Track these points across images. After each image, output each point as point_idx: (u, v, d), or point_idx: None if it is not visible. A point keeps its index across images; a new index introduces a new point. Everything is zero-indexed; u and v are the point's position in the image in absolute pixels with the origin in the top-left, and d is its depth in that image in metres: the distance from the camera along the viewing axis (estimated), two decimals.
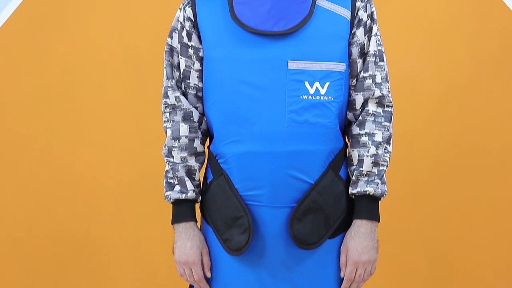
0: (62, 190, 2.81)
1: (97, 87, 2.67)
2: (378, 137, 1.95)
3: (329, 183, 1.93)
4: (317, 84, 1.90)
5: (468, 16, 2.81)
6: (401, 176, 2.88)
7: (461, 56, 2.82)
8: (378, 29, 1.99)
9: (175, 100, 2.01)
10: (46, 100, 2.68)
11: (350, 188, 1.95)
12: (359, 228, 1.94)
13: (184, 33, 2.01)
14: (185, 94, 2.03)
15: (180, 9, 2.02)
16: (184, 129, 2.00)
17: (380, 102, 1.97)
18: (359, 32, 1.96)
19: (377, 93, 1.96)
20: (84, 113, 2.75)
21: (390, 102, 1.98)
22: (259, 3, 1.93)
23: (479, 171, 2.91)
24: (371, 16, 1.98)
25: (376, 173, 1.94)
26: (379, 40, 1.99)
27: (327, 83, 1.91)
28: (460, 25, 2.81)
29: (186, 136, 2.00)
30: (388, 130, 1.96)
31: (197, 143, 2.02)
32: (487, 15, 2.82)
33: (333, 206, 1.94)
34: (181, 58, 2.02)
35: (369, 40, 1.97)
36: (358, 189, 1.94)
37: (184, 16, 2.01)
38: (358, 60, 1.97)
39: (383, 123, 1.96)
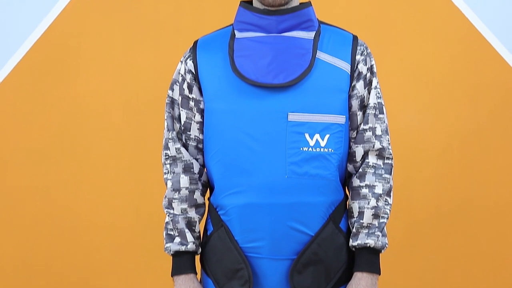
0: (62, 241, 2.80)
1: (97, 137, 2.68)
2: (379, 189, 1.95)
3: (330, 235, 1.93)
4: (317, 136, 1.91)
5: (468, 70, 2.84)
6: (402, 228, 2.87)
7: (461, 109, 2.84)
8: (378, 82, 2.01)
9: (176, 151, 2.02)
10: (46, 151, 2.69)
11: (350, 240, 1.94)
12: (360, 280, 1.93)
13: (185, 86, 2.02)
14: (185, 146, 2.04)
15: (181, 61, 2.04)
16: (184, 180, 2.01)
17: (380, 154, 1.97)
18: (359, 85, 1.97)
19: (377, 145, 1.97)
20: (84, 165, 2.75)
21: (390, 154, 1.99)
22: (260, 56, 1.95)
23: (480, 223, 2.90)
24: (371, 69, 2.00)
25: (377, 225, 1.94)
26: (379, 93, 2.00)
27: (327, 135, 1.91)
28: (460, 78, 2.84)
29: (187, 188, 2.00)
30: (389, 182, 1.97)
31: (197, 195, 2.02)
32: (487, 69, 2.85)
33: (334, 258, 1.93)
34: (182, 110, 2.03)
35: (369, 93, 1.99)
36: (359, 242, 1.93)
37: (185, 69, 2.03)
38: (358, 113, 1.98)
39: (383, 175, 1.96)
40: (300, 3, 2.00)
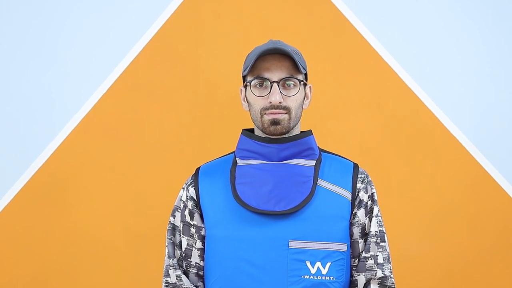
0: None
1: (97, 266, 2.65)
2: None
3: None
4: (318, 264, 1.89)
5: (468, 200, 2.84)
6: None
7: (461, 237, 2.82)
8: (379, 210, 2.01)
9: (176, 279, 2.00)
10: (46, 280, 2.66)
11: None
12: None
13: (186, 212, 2.03)
14: (186, 273, 2.02)
15: (183, 188, 2.05)
16: None
17: (383, 283, 1.95)
18: (360, 213, 1.97)
19: (379, 274, 1.95)
20: None
21: (393, 283, 1.96)
22: (261, 183, 1.96)
23: None
24: (371, 197, 2.00)
25: None
26: (380, 221, 2.00)
27: (329, 263, 1.90)
28: (459, 207, 2.84)
29: None
30: None
31: None
32: (486, 199, 2.85)
33: None
34: (183, 237, 2.02)
35: (370, 221, 1.98)
36: None
37: (187, 196, 2.04)
38: (359, 241, 1.97)
39: None
40: (301, 132, 2.03)
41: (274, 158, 1.99)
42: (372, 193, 2.01)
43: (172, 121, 2.70)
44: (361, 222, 1.97)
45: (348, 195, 1.95)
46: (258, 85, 1.98)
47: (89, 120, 2.67)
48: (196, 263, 2.02)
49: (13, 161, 2.64)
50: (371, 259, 1.96)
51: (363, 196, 1.98)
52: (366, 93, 2.81)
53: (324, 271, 1.89)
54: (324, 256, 1.90)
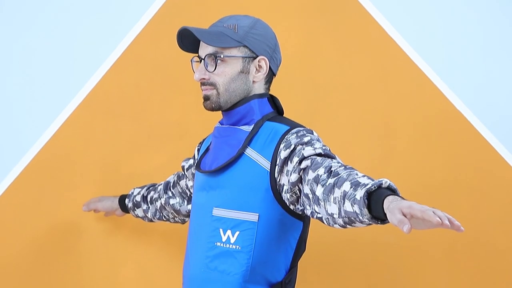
0: None
1: (100, 246, 2.76)
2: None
3: None
4: (229, 232, 1.93)
5: (471, 173, 2.75)
6: None
7: (464, 211, 2.69)
8: (315, 148, 1.85)
9: (169, 178, 2.46)
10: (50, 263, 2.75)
11: (356, 193, 1.64)
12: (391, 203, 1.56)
13: (191, 161, 2.30)
14: (175, 185, 2.40)
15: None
16: (161, 186, 2.46)
17: (333, 176, 1.76)
18: (284, 178, 1.89)
19: (330, 181, 1.76)
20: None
21: (338, 163, 1.80)
22: (212, 147, 2.08)
23: None
24: (297, 146, 1.88)
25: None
26: (301, 155, 1.85)
27: (237, 232, 1.92)
28: (462, 181, 2.74)
29: (157, 184, 2.51)
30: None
31: (154, 195, 2.46)
32: (489, 172, 2.75)
33: None
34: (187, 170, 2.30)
35: (300, 163, 1.85)
36: (369, 186, 1.62)
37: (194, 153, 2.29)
38: (302, 188, 1.84)
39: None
40: (242, 99, 2.03)
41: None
42: (298, 142, 1.88)
43: (175, 99, 2.76)
44: (291, 181, 1.85)
45: (267, 165, 1.92)
46: (196, 63, 2.09)
47: (92, 99, 2.74)
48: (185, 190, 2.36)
49: (14, 142, 2.70)
50: (314, 172, 1.79)
51: (284, 153, 1.89)
52: (370, 67, 2.77)
53: (232, 240, 1.92)
54: (234, 225, 1.93)
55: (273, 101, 2.08)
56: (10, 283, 2.70)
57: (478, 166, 2.75)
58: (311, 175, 1.79)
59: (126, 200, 2.55)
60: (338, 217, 1.70)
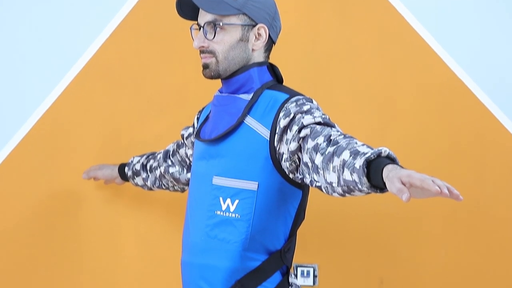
0: None
1: (100, 213, 2.76)
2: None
3: None
4: (228, 200, 1.94)
5: (473, 143, 2.75)
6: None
7: (466, 181, 2.70)
8: (315, 117, 1.85)
9: (168, 147, 2.45)
10: (50, 219, 2.75)
11: (355, 162, 1.63)
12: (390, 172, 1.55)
13: (191, 129, 2.29)
14: (174, 154, 2.40)
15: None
16: (160, 154, 2.47)
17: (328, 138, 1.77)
18: (284, 147, 1.88)
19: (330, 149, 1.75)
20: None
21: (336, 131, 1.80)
22: (212, 116, 2.08)
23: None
24: (296, 114, 1.88)
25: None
26: (301, 124, 1.85)
27: (237, 201, 1.92)
28: (464, 150, 2.75)
29: (157, 153, 2.51)
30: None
31: (153, 164, 2.46)
32: (491, 141, 2.75)
33: None
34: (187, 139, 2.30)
35: (299, 132, 1.84)
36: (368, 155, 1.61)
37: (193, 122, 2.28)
38: (301, 156, 1.84)
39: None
40: (242, 67, 2.02)
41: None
42: (297, 111, 1.87)
43: (175, 67, 2.75)
44: (291, 150, 1.85)
45: (266, 133, 1.91)
46: (195, 30, 2.07)
47: (91, 67, 2.74)
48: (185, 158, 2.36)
49: (14, 110, 2.70)
50: (314, 142, 1.78)
51: (284, 122, 1.88)
52: (370, 36, 2.76)
53: (232, 208, 1.93)
54: (234, 194, 1.93)
55: (273, 70, 2.07)
56: (9, 250, 2.72)
57: (478, 134, 2.75)
58: (310, 143, 1.79)
59: (126, 169, 2.55)
60: (337, 185, 1.70)
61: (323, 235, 2.74)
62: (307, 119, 1.85)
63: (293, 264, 2.60)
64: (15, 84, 2.73)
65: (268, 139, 1.92)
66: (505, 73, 2.75)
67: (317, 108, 1.92)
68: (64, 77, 2.74)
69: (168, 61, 2.77)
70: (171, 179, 2.42)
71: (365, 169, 1.60)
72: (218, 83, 2.11)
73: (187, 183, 2.41)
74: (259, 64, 2.03)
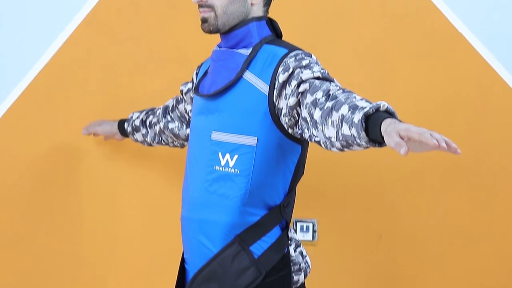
0: None
1: (99, 164, 2.77)
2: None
3: (231, 256, 1.92)
4: (227, 156, 1.94)
5: (472, 95, 2.74)
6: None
7: (465, 134, 2.69)
8: (314, 71, 1.84)
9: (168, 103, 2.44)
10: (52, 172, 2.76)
11: (354, 116, 1.62)
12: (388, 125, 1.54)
13: (190, 85, 2.28)
14: (173, 109, 2.40)
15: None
16: (160, 110, 2.46)
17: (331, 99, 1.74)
18: (283, 102, 1.88)
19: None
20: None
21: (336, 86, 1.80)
22: (211, 70, 2.07)
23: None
24: (296, 69, 1.87)
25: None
26: (300, 79, 1.83)
27: (236, 156, 1.92)
28: (463, 103, 2.74)
29: (156, 108, 2.50)
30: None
31: (153, 120, 2.46)
32: (490, 94, 2.74)
33: (233, 279, 1.92)
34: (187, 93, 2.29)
35: (298, 88, 1.83)
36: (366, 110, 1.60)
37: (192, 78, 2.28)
38: (300, 111, 1.83)
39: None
40: (241, 21, 2.01)
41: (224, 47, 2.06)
42: (296, 66, 1.86)
43: (174, 23, 2.73)
44: (289, 105, 1.84)
45: (265, 88, 1.90)
46: None
47: (91, 22, 2.72)
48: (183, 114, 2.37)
49: (13, 65, 2.69)
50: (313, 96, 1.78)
51: (283, 77, 1.87)
52: None
53: (231, 163, 1.93)
54: (233, 149, 1.93)
55: (272, 24, 2.06)
56: (9, 206, 2.73)
57: (477, 88, 2.74)
58: (309, 98, 1.78)
59: (125, 125, 2.55)
60: (336, 140, 1.70)
61: (323, 190, 2.75)
62: (306, 74, 1.84)
63: (293, 219, 2.63)
64: (13, 40, 2.71)
65: (267, 94, 1.91)
66: (505, 26, 2.73)
67: (316, 63, 1.91)
68: (63, 31, 2.73)
69: (167, 16, 2.75)
70: (171, 135, 2.42)
71: (364, 124, 1.59)
72: (217, 38, 2.10)
73: (186, 138, 2.41)
74: (258, 18, 2.02)
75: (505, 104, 2.74)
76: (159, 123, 2.44)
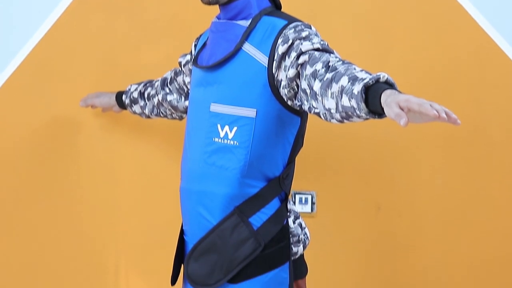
0: None
1: (97, 135, 2.77)
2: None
3: (231, 227, 1.92)
4: (226, 127, 1.93)
5: (472, 69, 2.73)
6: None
7: (465, 107, 2.69)
8: (314, 43, 1.83)
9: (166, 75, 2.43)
10: (48, 151, 2.75)
11: (353, 87, 1.62)
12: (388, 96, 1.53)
13: (188, 57, 2.27)
14: (171, 81, 2.39)
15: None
16: (158, 82, 2.45)
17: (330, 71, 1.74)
18: (282, 74, 1.87)
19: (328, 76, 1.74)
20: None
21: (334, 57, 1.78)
22: (210, 45, 2.05)
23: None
24: (295, 40, 1.85)
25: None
26: (299, 50, 1.83)
27: (235, 128, 1.92)
28: (463, 76, 2.74)
29: (154, 80, 2.49)
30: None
31: (151, 91, 2.45)
32: (490, 66, 2.73)
33: (233, 251, 1.92)
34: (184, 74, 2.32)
35: (297, 59, 1.83)
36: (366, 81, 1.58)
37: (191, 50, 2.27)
38: (299, 82, 1.83)
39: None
40: None
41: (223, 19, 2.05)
42: (296, 37, 1.85)
43: None
44: (289, 77, 1.84)
45: (265, 60, 1.89)
46: None
47: None
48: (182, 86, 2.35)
49: (10, 38, 2.68)
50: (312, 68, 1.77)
51: (282, 49, 1.86)
52: None
53: (230, 135, 1.92)
54: (232, 121, 1.92)
55: None
56: (8, 177, 2.73)
57: (476, 59, 2.73)
58: (308, 70, 1.78)
59: (123, 97, 2.54)
60: (336, 112, 1.69)
61: (321, 162, 2.75)
62: (306, 46, 1.83)
63: (292, 191, 2.63)
64: (9, 12, 2.69)
65: (267, 66, 1.90)
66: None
67: (316, 34, 1.90)
68: (59, 3, 2.71)
69: None
70: (169, 107, 2.41)
71: (364, 95, 1.59)
72: (216, 10, 2.09)
73: (185, 111, 2.40)
74: None
75: (504, 75, 2.73)
76: (157, 95, 2.43)
